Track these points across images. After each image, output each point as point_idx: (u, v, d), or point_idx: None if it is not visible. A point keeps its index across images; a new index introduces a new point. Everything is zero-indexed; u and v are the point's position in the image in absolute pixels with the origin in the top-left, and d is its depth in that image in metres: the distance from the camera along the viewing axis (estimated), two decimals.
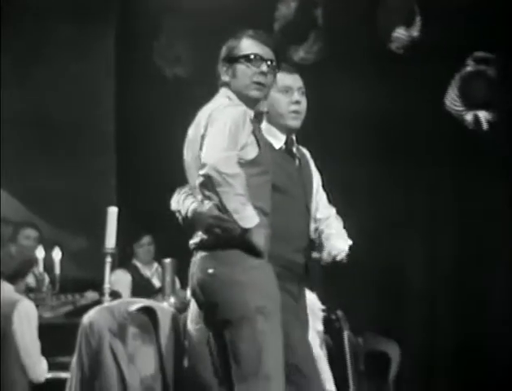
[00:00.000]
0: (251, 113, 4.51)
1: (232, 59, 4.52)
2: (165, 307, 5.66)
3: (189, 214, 4.50)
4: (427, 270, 8.06)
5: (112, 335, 5.19)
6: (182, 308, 5.61)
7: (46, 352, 6.27)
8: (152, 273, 8.53)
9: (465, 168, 7.85)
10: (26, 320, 6.14)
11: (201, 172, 4.29)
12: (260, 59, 4.49)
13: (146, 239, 8.63)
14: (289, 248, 4.64)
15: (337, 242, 4.79)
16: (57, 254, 7.38)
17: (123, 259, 8.29)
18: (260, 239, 4.31)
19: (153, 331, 5.32)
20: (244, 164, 4.33)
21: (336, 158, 7.53)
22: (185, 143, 4.53)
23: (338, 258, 4.73)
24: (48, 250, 7.44)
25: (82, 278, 7.66)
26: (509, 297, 7.75)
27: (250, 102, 4.52)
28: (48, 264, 7.39)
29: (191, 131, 4.52)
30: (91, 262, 7.51)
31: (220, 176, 4.23)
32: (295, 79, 4.83)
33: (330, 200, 5.00)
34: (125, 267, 8.47)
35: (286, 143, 4.81)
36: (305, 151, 4.93)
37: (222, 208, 4.27)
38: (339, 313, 6.61)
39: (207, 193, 4.33)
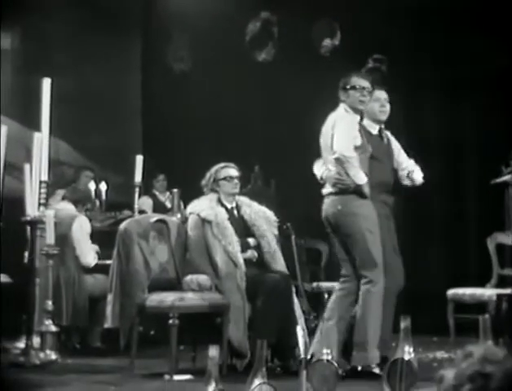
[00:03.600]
0: (358, 118, 4.96)
1: (346, 88, 4.94)
2: (173, 220, 5.62)
3: (323, 176, 4.93)
4: None
5: (139, 237, 5.18)
6: (184, 221, 5.48)
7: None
8: (166, 198, 8.35)
9: None
10: (81, 228, 6.19)
11: (334, 156, 4.81)
12: (362, 88, 4.93)
13: (161, 177, 8.45)
14: (381, 190, 4.97)
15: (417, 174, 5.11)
16: (103, 186, 7.38)
17: (146, 189, 8.29)
18: (367, 189, 4.79)
19: (166, 234, 5.33)
20: (355, 148, 4.81)
21: None
22: (320, 136, 4.92)
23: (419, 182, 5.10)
24: (98, 183, 7.46)
25: (120, 202, 7.63)
26: None
27: (357, 111, 4.95)
28: (98, 192, 7.46)
29: (323, 129, 4.91)
30: (126, 191, 7.50)
31: (345, 157, 4.77)
32: (382, 93, 5.15)
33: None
34: (148, 194, 8.43)
35: (379, 130, 5.12)
36: (388, 133, 5.18)
37: (346, 173, 4.78)
38: (288, 224, 6.72)
39: (335, 165, 4.82)
